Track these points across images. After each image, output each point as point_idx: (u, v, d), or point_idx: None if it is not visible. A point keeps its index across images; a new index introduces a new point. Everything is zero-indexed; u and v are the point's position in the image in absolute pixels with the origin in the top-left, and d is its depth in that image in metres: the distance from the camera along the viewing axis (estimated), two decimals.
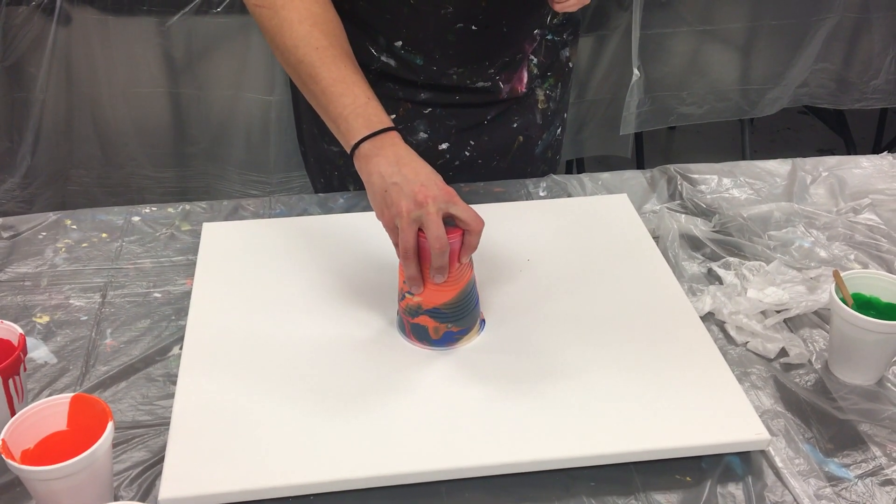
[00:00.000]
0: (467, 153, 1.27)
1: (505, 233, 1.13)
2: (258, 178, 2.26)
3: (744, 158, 2.69)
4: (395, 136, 0.96)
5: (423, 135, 1.25)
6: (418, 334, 0.95)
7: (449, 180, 1.29)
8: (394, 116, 1.23)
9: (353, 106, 0.96)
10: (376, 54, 1.19)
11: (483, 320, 0.99)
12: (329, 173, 1.32)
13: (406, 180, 0.91)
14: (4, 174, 2.23)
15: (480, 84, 1.22)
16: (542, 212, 1.18)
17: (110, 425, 0.76)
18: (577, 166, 2.65)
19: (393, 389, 0.90)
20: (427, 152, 1.25)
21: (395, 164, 0.92)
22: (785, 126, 3.24)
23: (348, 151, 0.96)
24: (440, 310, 0.93)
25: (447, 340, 0.95)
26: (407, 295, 0.94)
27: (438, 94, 1.23)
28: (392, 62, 1.20)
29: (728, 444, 0.85)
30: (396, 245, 0.92)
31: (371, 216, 1.16)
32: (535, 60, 1.26)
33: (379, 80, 1.21)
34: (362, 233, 1.13)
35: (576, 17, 1.30)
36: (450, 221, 0.91)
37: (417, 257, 0.91)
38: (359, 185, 1.29)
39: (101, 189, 2.31)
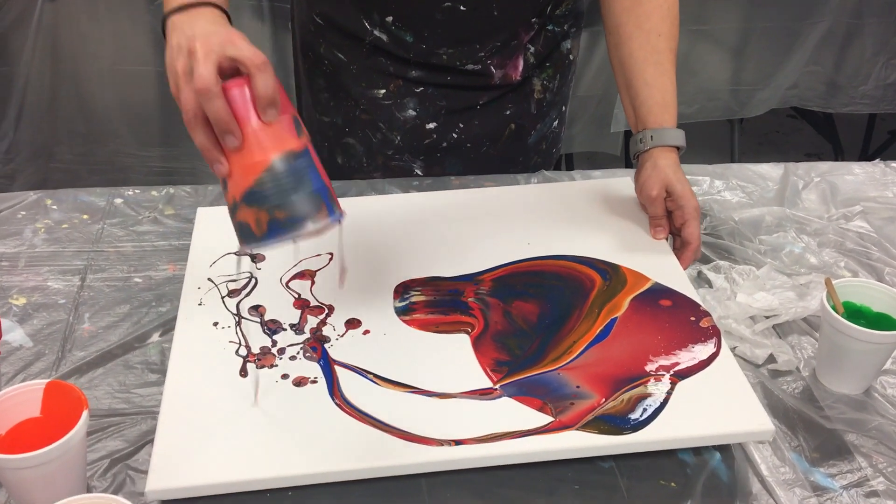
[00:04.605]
0: (455, 135, 1.26)
1: (506, 215, 1.12)
2: None
3: (732, 159, 2.70)
4: (208, 11, 0.85)
5: (411, 112, 1.24)
6: (244, 236, 0.78)
7: (437, 162, 1.31)
8: (384, 91, 1.23)
9: None
10: (369, 28, 1.19)
11: (339, 212, 0.80)
12: (321, 145, 1.32)
13: (187, 39, 0.79)
14: None
15: (471, 67, 1.21)
16: (544, 196, 1.17)
17: (85, 414, 0.74)
18: (565, 162, 2.64)
19: (382, 379, 0.88)
20: (414, 130, 1.26)
21: (187, 30, 0.81)
22: (773, 129, 3.25)
23: (161, 32, 0.87)
24: (255, 190, 0.75)
25: (275, 233, 0.76)
26: (224, 192, 0.79)
27: (430, 74, 1.22)
28: (384, 37, 1.19)
29: (730, 435, 0.84)
30: None
31: (362, 201, 1.16)
32: (533, 49, 1.25)
33: (372, 54, 1.21)
34: (357, 219, 1.11)
35: (579, 10, 1.29)
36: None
37: (205, 122, 0.77)
38: (347, 158, 1.29)
39: (84, 167, 2.28)
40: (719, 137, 2.89)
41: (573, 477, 0.82)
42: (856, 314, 0.94)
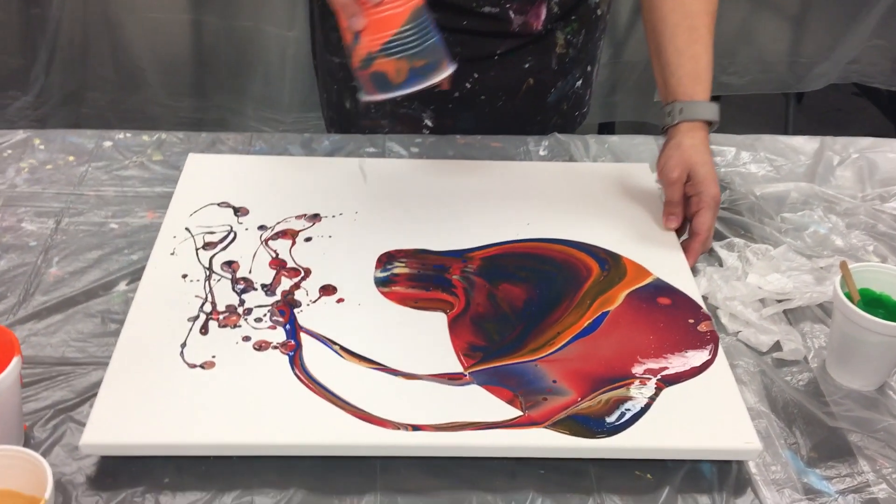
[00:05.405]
0: (469, 85, 1.19)
1: (508, 191, 1.05)
2: (272, 116, 2.19)
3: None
4: None
5: None
6: (380, 85, 0.86)
7: (448, 113, 1.23)
8: None
9: None
10: None
11: (452, 60, 0.88)
12: (331, 87, 1.27)
13: None
14: (18, 91, 2.19)
15: (488, 9, 1.13)
16: (552, 174, 1.09)
17: (16, 360, 0.70)
18: (607, 131, 2.53)
19: (347, 352, 0.83)
20: None
21: None
22: (835, 107, 3.08)
23: None
24: (395, 41, 0.84)
25: (415, 80, 0.86)
26: (355, 46, 0.86)
27: (445, 16, 1.13)
28: None
29: (712, 451, 0.76)
30: None
31: (357, 163, 1.10)
32: None
33: None
34: (349, 181, 1.05)
35: None
36: None
37: None
38: (354, 102, 1.22)
39: (114, 114, 2.25)
40: (777, 112, 2.75)
41: (538, 460, 0.76)
42: (873, 303, 0.85)
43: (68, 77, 2.17)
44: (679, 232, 1.01)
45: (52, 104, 2.21)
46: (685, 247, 0.98)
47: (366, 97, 0.89)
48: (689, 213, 1.00)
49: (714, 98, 1.04)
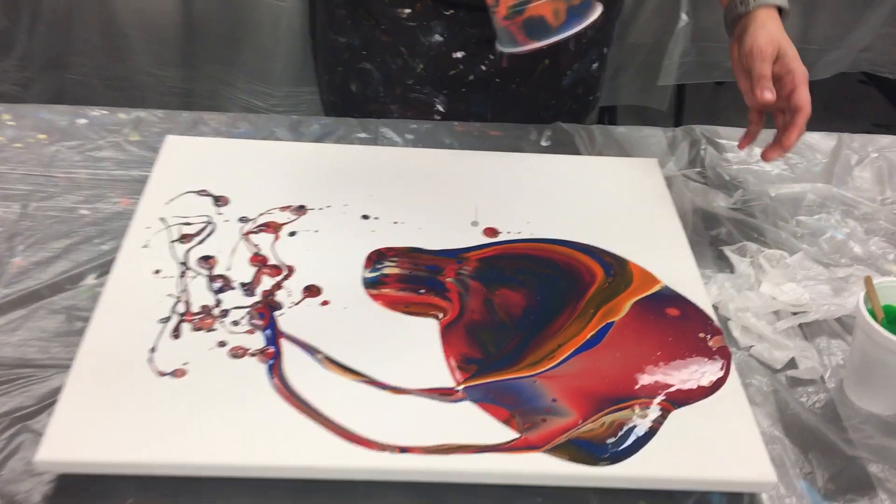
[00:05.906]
0: (483, 68, 1.13)
1: (508, 186, 0.99)
2: (263, 90, 2.11)
3: None
4: None
5: (437, 37, 1.11)
6: (535, 32, 0.83)
7: (461, 98, 1.17)
8: (409, 11, 1.10)
9: None
10: None
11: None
12: (334, 69, 1.20)
13: None
14: (0, 54, 2.11)
15: None
16: (555, 169, 1.03)
17: None
18: (608, 115, 2.46)
19: (331, 361, 0.76)
20: (439, 58, 1.13)
21: None
22: (842, 95, 3.01)
23: None
24: None
25: (573, 21, 0.82)
26: None
27: None
28: None
29: (723, 482, 0.71)
30: None
31: (348, 150, 1.03)
32: None
33: None
34: (337, 171, 0.98)
35: None
36: None
37: None
38: (362, 86, 1.17)
39: (101, 82, 2.17)
40: None
41: (536, 487, 0.70)
42: None
43: (52, 41, 2.09)
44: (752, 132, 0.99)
45: (35, 69, 2.12)
46: (787, 130, 0.94)
47: (512, 49, 0.84)
48: (780, 94, 0.95)
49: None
